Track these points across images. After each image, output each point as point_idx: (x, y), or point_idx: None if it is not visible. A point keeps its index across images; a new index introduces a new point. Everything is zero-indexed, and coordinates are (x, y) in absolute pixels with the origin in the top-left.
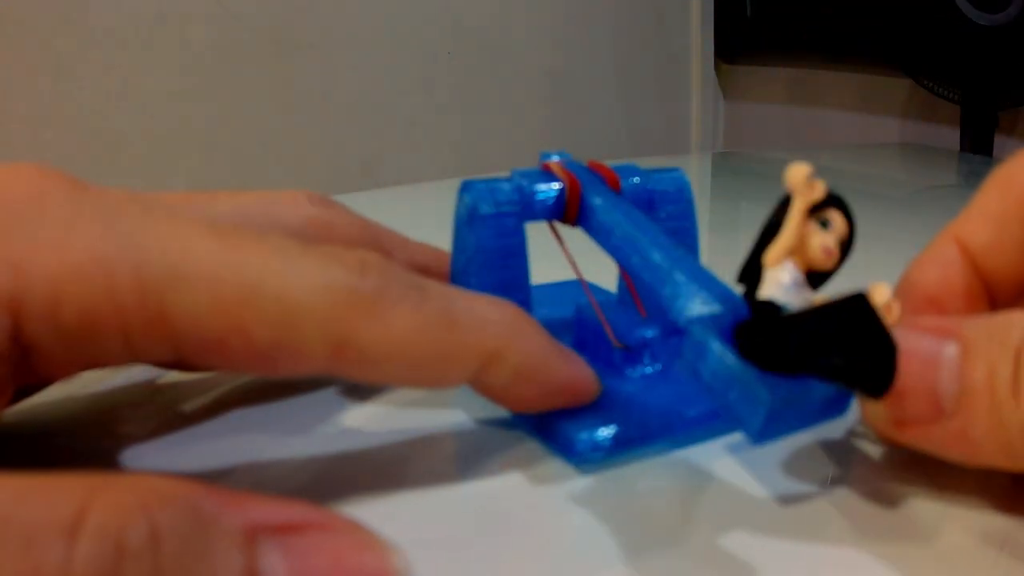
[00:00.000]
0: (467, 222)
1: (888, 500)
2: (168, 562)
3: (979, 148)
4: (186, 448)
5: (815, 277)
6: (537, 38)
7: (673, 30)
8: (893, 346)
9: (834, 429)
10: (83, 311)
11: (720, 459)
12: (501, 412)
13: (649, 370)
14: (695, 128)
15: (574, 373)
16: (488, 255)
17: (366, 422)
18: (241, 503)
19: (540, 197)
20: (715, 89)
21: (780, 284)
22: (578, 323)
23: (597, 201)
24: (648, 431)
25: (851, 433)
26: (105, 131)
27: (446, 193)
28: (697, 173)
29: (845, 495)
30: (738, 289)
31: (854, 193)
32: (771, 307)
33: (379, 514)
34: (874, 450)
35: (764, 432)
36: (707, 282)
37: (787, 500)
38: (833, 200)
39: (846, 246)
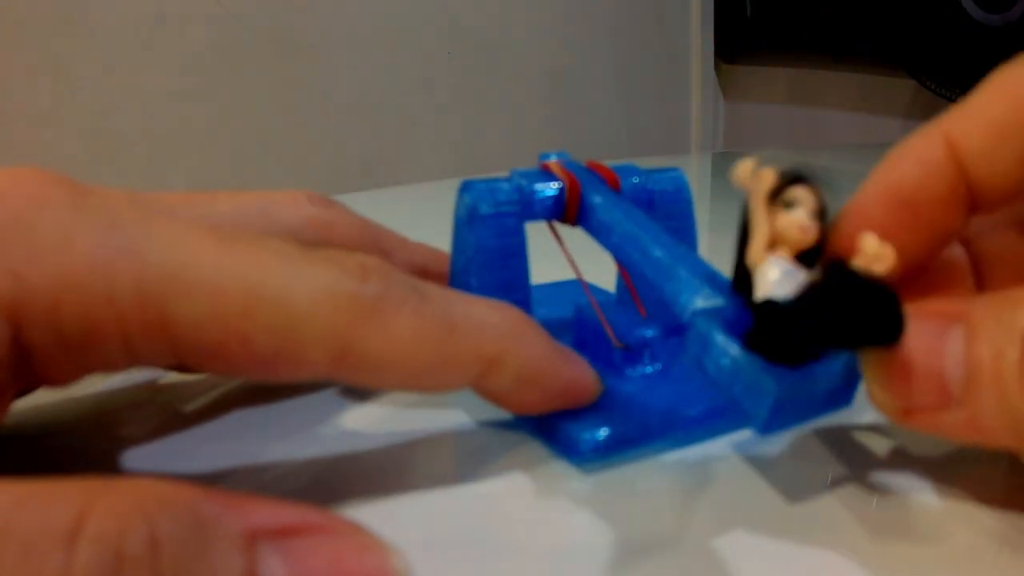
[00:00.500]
0: (467, 222)
1: (889, 499)
2: (168, 567)
3: None
4: (186, 449)
5: (808, 256)
6: (537, 38)
7: (673, 30)
8: (890, 292)
9: (835, 428)
10: (83, 318)
11: (721, 458)
12: (502, 413)
13: (649, 370)
14: (695, 128)
15: (575, 375)
16: (488, 255)
17: (367, 423)
18: (241, 506)
19: (540, 197)
20: (715, 89)
21: (771, 281)
22: (578, 323)
23: (597, 200)
24: (649, 431)
25: (852, 432)
26: (105, 131)
27: (446, 193)
28: (697, 173)
29: (846, 494)
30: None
31: (853, 194)
32: (771, 305)
33: (379, 515)
34: (875, 449)
35: (771, 423)
36: (709, 276)
37: (789, 499)
38: (792, 179)
39: (822, 213)
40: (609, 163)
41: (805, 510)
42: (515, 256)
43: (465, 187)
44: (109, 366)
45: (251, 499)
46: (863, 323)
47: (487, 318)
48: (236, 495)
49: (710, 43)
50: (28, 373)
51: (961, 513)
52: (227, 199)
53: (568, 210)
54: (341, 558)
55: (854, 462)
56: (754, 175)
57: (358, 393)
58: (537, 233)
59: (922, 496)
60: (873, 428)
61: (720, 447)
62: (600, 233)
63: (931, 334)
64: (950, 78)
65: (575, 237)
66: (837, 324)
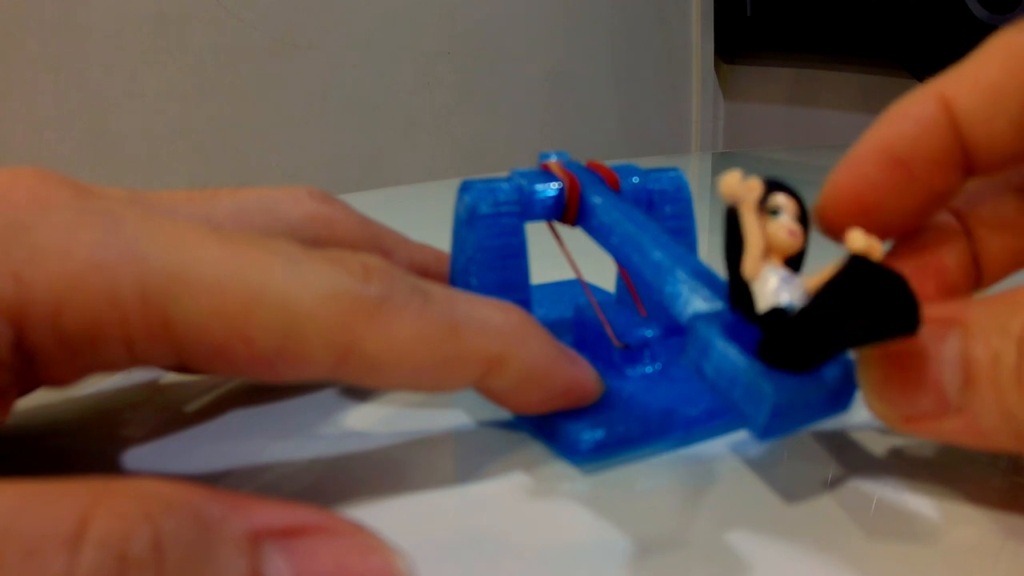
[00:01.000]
0: (467, 222)
1: (888, 500)
2: (172, 569)
3: None
4: (187, 449)
5: (793, 261)
6: (537, 38)
7: (673, 30)
8: (904, 281)
9: (834, 428)
10: (85, 319)
11: (721, 458)
12: (503, 413)
13: (649, 369)
14: (695, 128)
15: (577, 376)
16: (488, 255)
17: (368, 423)
18: (244, 506)
19: (540, 197)
20: (715, 89)
21: (772, 290)
22: (578, 323)
23: (597, 200)
24: (649, 430)
25: (851, 432)
26: (105, 131)
27: (446, 193)
28: (697, 173)
29: (846, 494)
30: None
31: None
32: (778, 314)
33: (382, 516)
34: (875, 449)
35: (769, 428)
36: (709, 279)
37: (789, 499)
38: (770, 187)
39: (803, 217)
40: (609, 163)
41: (804, 510)
42: (515, 256)
43: (465, 187)
44: (111, 367)
45: (254, 499)
46: (886, 313)
47: (490, 318)
48: (239, 495)
49: (710, 43)
50: (30, 374)
51: (961, 513)
52: (228, 196)
53: (568, 210)
54: (345, 559)
55: (853, 462)
56: (742, 185)
57: (359, 393)
58: (537, 233)
59: (922, 496)
60: (872, 428)
61: (720, 447)
62: (599, 234)
63: (927, 340)
64: None
65: (575, 237)
66: (861, 316)
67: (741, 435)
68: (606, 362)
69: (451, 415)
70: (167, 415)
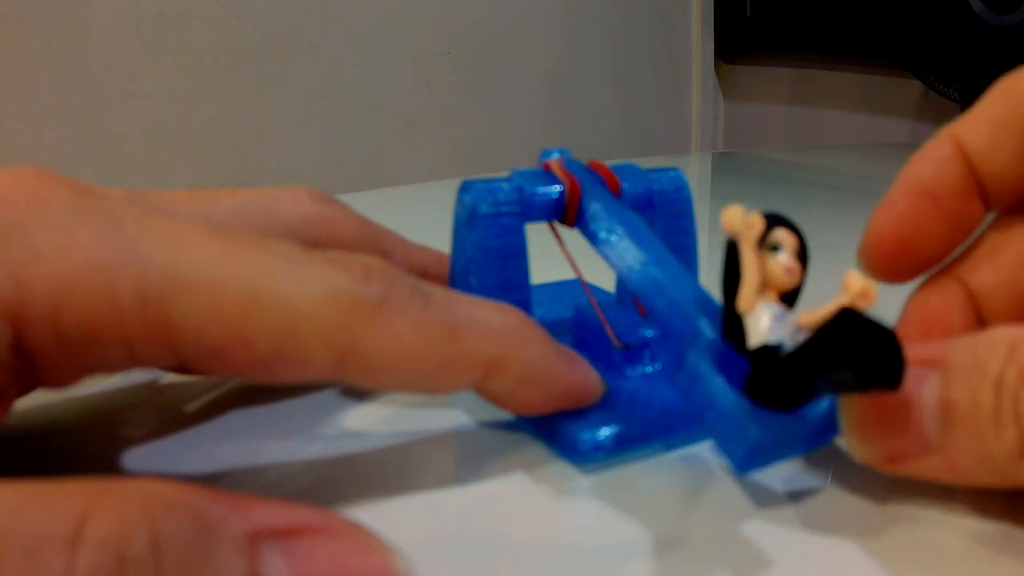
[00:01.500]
0: (467, 222)
1: (889, 501)
2: (171, 570)
3: None
4: (187, 450)
5: (789, 296)
6: (537, 38)
7: (673, 30)
8: (892, 336)
9: None
10: (84, 319)
11: (722, 458)
12: (502, 413)
13: (649, 369)
14: (695, 128)
15: (578, 377)
16: (488, 255)
17: (368, 423)
18: (243, 506)
19: (540, 199)
20: (715, 89)
21: (764, 327)
22: (578, 323)
23: (596, 207)
24: (649, 430)
25: None
26: (105, 131)
27: (445, 193)
28: (697, 173)
29: (846, 495)
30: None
31: (854, 193)
32: (767, 351)
33: (382, 516)
34: None
35: (747, 464)
36: (704, 303)
37: (788, 500)
38: (772, 221)
39: (803, 254)
40: (609, 163)
41: (805, 510)
42: (515, 256)
43: (465, 187)
44: (109, 368)
45: (253, 499)
46: (871, 366)
47: (489, 320)
48: (238, 495)
49: (710, 43)
50: (29, 375)
51: (961, 513)
52: (228, 197)
53: (568, 212)
54: (344, 559)
55: (853, 463)
56: (743, 220)
57: (359, 393)
58: (537, 233)
59: (922, 496)
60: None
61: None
62: (596, 241)
63: (908, 382)
64: (956, 78)
65: (575, 237)
66: (845, 367)
67: None
68: (606, 362)
69: (451, 415)
70: (167, 415)
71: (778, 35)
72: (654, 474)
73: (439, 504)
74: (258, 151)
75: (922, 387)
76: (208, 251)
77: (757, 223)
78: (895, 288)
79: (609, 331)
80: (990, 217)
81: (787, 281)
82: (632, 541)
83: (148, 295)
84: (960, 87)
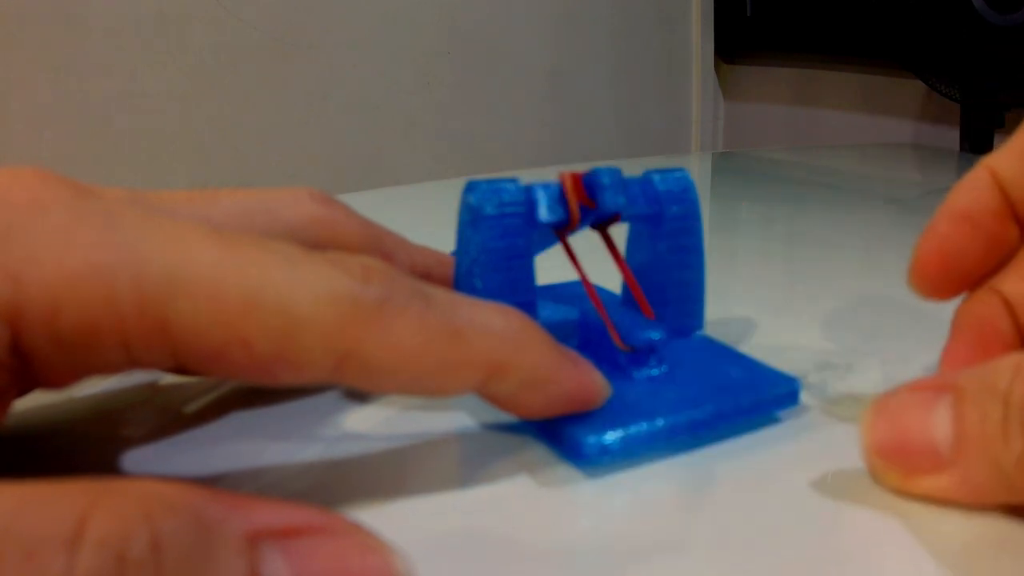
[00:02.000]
0: (471, 223)
1: (889, 501)
2: (170, 570)
3: (980, 148)
4: (186, 450)
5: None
6: (537, 38)
7: (673, 30)
8: None
9: (835, 429)
10: (82, 320)
11: (726, 461)
12: (506, 416)
13: (655, 372)
14: (695, 128)
15: (582, 381)
16: (493, 256)
17: (368, 425)
18: (243, 507)
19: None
20: (715, 89)
21: None
22: (583, 325)
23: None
24: (655, 434)
25: (851, 432)
26: (105, 131)
27: (446, 193)
28: (697, 173)
29: (847, 496)
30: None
31: (854, 193)
32: None
33: (382, 517)
34: None
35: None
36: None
37: (792, 502)
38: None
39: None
40: (611, 163)
41: (807, 512)
42: (520, 257)
43: (470, 187)
44: (109, 368)
45: (253, 499)
46: None
47: (491, 323)
48: (238, 496)
49: (710, 43)
50: (27, 376)
51: (961, 513)
52: (228, 197)
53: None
54: (344, 559)
55: (855, 464)
56: None
57: (359, 395)
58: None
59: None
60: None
61: (725, 450)
62: None
63: (921, 404)
64: (958, 78)
65: (580, 238)
66: None
67: (747, 439)
68: (612, 364)
69: (454, 417)
70: (166, 416)
71: (778, 35)
72: (659, 478)
73: (440, 505)
74: (258, 151)
75: (935, 405)
76: (208, 252)
77: None
78: (943, 306)
79: (614, 334)
80: None
81: None
82: (637, 545)
83: (146, 296)
84: (961, 87)
